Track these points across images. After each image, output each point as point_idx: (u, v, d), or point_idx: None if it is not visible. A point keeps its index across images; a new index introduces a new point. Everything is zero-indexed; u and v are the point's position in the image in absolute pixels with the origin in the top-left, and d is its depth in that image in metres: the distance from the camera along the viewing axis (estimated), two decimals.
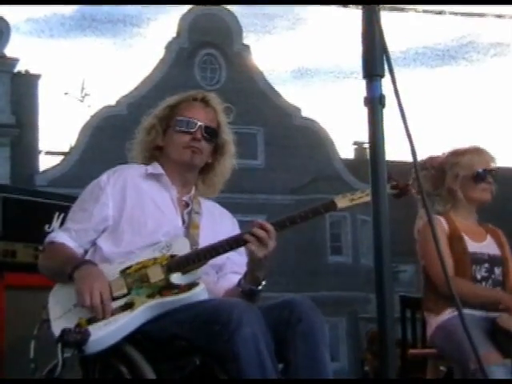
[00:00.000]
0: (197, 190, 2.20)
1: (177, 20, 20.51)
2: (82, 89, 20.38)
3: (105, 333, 1.85)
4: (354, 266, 19.28)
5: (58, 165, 19.22)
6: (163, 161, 2.17)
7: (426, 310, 2.80)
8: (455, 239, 2.76)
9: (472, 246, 2.77)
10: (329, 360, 1.86)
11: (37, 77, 18.99)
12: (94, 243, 2.07)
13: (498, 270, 2.79)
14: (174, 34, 20.45)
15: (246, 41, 20.81)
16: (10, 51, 18.64)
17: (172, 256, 1.96)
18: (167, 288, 1.91)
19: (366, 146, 1.42)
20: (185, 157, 2.12)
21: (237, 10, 20.36)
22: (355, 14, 1.41)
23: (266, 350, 1.76)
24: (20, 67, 18.72)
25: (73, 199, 2.22)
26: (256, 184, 18.91)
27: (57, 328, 1.88)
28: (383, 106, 1.38)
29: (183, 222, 2.10)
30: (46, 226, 2.70)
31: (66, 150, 19.79)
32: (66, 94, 22.91)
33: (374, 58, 1.37)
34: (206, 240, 2.03)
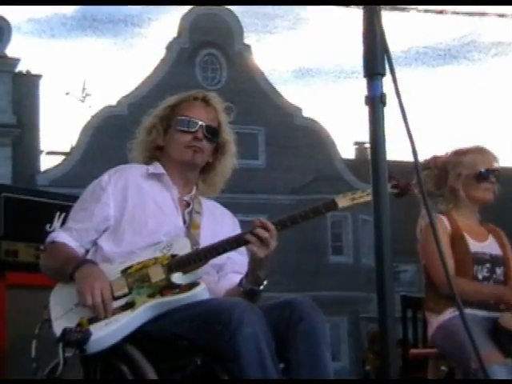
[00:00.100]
0: (198, 189, 2.20)
1: (178, 20, 20.56)
2: (83, 89, 20.42)
3: (106, 332, 1.86)
4: (355, 266, 19.28)
5: (59, 165, 19.24)
6: (164, 160, 2.17)
7: (427, 309, 2.80)
8: (457, 239, 2.76)
9: (474, 246, 2.77)
10: (330, 359, 1.86)
11: (38, 77, 19.01)
12: (95, 243, 2.07)
13: (499, 270, 2.79)
14: (175, 34, 20.46)
15: (247, 41, 20.84)
16: (11, 51, 18.69)
17: (173, 256, 1.96)
18: (168, 288, 1.91)
19: (367, 145, 1.43)
20: (186, 156, 2.12)
21: (238, 10, 20.38)
22: (356, 13, 1.41)
23: (267, 350, 1.76)
24: (21, 67, 18.77)
25: (74, 199, 2.22)
26: (257, 184, 18.91)
27: (58, 327, 1.88)
28: (384, 104, 1.38)
29: (184, 221, 2.10)
30: (48, 226, 2.70)
31: (67, 149, 19.83)
32: (67, 94, 22.90)
33: (375, 57, 1.37)
34: (206, 240, 2.03)
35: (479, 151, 2.86)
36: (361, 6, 1.41)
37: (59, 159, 19.69)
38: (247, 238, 1.95)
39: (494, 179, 2.83)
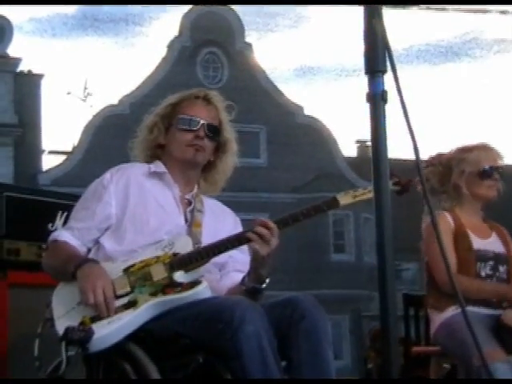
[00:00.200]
0: (199, 188, 2.20)
1: (179, 19, 20.54)
2: (85, 88, 20.46)
3: (108, 331, 1.86)
4: (356, 264, 19.27)
5: (61, 164, 19.25)
6: (165, 159, 2.17)
7: (430, 307, 2.79)
8: (460, 236, 2.75)
9: (477, 243, 2.76)
10: (332, 357, 1.86)
11: (39, 76, 19.01)
12: (97, 241, 2.07)
13: (502, 268, 2.78)
14: (176, 33, 20.45)
15: (248, 39, 20.84)
16: (12, 51, 18.69)
17: (174, 254, 1.96)
18: (170, 286, 1.91)
19: (369, 144, 1.42)
20: (188, 155, 2.12)
21: (239, 9, 20.36)
22: (357, 10, 1.41)
23: (269, 348, 1.76)
24: (22, 67, 18.77)
25: (76, 198, 2.22)
26: (258, 182, 18.91)
27: (60, 326, 1.88)
28: (385, 101, 1.38)
29: (186, 220, 2.10)
30: (49, 225, 2.70)
31: (69, 149, 19.85)
32: (68, 93, 22.92)
33: (376, 54, 1.37)
34: (208, 238, 2.03)
35: (483, 148, 2.85)
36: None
37: (61, 159, 19.72)
38: (249, 236, 1.95)
39: (497, 177, 2.81)
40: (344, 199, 1.97)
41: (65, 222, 2.50)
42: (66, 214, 2.64)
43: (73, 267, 1.95)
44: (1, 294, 2.51)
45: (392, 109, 1.40)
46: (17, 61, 18.51)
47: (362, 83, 1.41)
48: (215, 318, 1.79)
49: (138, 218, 2.05)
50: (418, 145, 1.40)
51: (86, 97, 19.97)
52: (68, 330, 1.83)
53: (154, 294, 1.91)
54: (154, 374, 1.83)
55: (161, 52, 20.42)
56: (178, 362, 1.85)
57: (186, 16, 20.31)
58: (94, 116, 19.43)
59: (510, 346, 2.50)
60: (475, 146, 2.86)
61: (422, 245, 2.81)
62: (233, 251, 2.03)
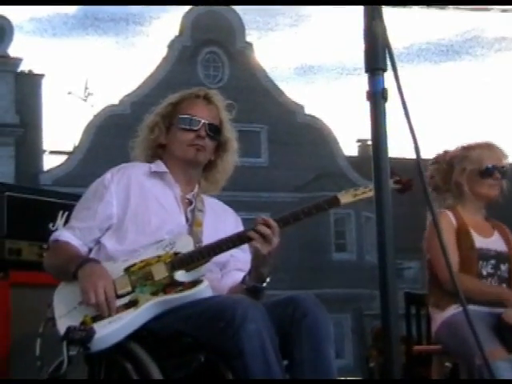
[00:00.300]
0: (200, 187, 2.20)
1: (179, 18, 20.55)
2: (86, 88, 20.50)
3: (110, 330, 1.86)
4: (358, 263, 19.27)
5: (62, 164, 19.27)
6: (166, 158, 2.17)
7: (431, 305, 2.79)
8: (462, 234, 2.74)
9: (479, 242, 2.75)
10: (333, 356, 1.86)
11: (40, 76, 19.03)
12: (98, 241, 2.07)
13: (503, 267, 2.78)
14: (177, 33, 20.46)
15: (248, 38, 20.84)
16: (13, 51, 18.70)
17: (176, 253, 1.97)
18: (171, 285, 1.91)
19: (370, 143, 1.42)
20: (189, 155, 2.12)
21: (239, 8, 20.35)
22: (357, 9, 1.41)
23: (271, 346, 1.76)
24: (23, 67, 18.79)
25: (77, 198, 2.22)
26: (260, 182, 18.91)
27: (62, 326, 1.88)
28: (385, 99, 1.37)
29: (187, 219, 2.10)
30: (51, 225, 2.70)
31: (70, 149, 19.87)
32: (69, 93, 22.91)
33: (376, 52, 1.37)
34: (209, 238, 2.03)
35: (487, 147, 2.83)
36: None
37: (62, 158, 19.74)
38: (250, 234, 1.95)
39: (498, 176, 2.79)
40: (345, 198, 1.97)
41: (66, 222, 2.49)
42: (67, 213, 2.64)
43: (74, 267, 1.95)
44: (2, 293, 2.51)
45: (393, 107, 1.40)
46: (17, 61, 18.53)
47: (363, 82, 1.41)
48: (217, 317, 1.79)
49: (139, 217, 2.05)
50: (419, 143, 1.40)
51: (86, 96, 20.01)
52: (69, 329, 1.83)
53: (155, 294, 1.91)
54: (156, 373, 1.83)
55: (161, 51, 20.46)
56: (179, 360, 1.85)
57: (186, 15, 20.31)
58: (95, 116, 19.44)
59: (511, 344, 2.50)
60: (479, 144, 2.84)
61: (425, 242, 2.80)
62: (234, 250, 2.03)
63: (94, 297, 1.88)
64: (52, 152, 20.26)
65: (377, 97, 1.37)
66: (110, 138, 17.12)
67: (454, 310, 2.64)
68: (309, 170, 19.33)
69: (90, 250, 2.08)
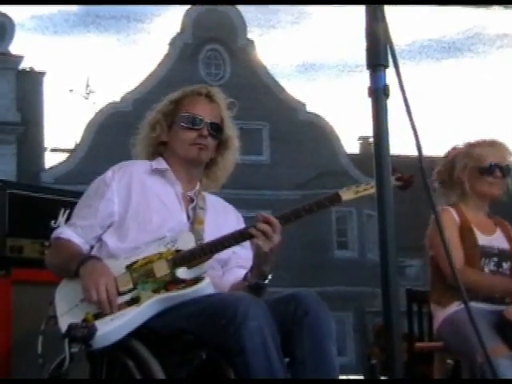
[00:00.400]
0: (201, 185, 2.20)
1: (181, 16, 20.53)
2: (87, 86, 20.46)
3: (111, 328, 1.86)
4: (360, 261, 19.26)
5: (64, 162, 19.28)
6: (168, 156, 2.17)
7: (433, 302, 2.78)
8: (465, 231, 2.74)
9: (482, 239, 2.75)
10: (335, 353, 1.86)
11: (41, 74, 19.03)
12: (99, 239, 2.07)
13: (506, 265, 2.77)
14: (178, 30, 20.45)
15: (250, 36, 20.80)
16: (14, 48, 18.70)
17: (177, 251, 1.97)
18: (173, 283, 1.92)
19: (372, 140, 1.41)
20: (191, 153, 2.12)
21: (240, 5, 20.32)
22: (359, 6, 1.40)
23: (273, 344, 1.76)
24: (25, 64, 18.78)
25: (78, 195, 2.23)
26: (261, 180, 18.91)
27: (63, 323, 1.89)
28: (387, 96, 1.37)
29: (188, 217, 2.10)
30: (52, 222, 2.70)
31: (72, 146, 19.87)
32: (70, 91, 22.82)
33: (378, 48, 1.37)
34: (210, 235, 2.03)
35: (491, 144, 2.81)
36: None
37: (63, 156, 19.75)
38: (251, 231, 1.95)
39: (499, 174, 2.78)
40: (346, 195, 1.97)
41: (67, 220, 2.49)
42: (68, 211, 2.64)
43: (76, 265, 1.95)
44: (4, 291, 2.51)
45: (394, 104, 1.39)
46: (19, 58, 18.53)
47: (365, 80, 1.40)
48: (218, 314, 1.79)
49: (140, 215, 2.05)
50: (421, 140, 1.39)
51: (88, 94, 20.00)
52: (71, 326, 1.83)
53: (156, 291, 1.91)
54: (157, 371, 1.83)
55: (163, 49, 20.46)
56: (181, 358, 1.85)
57: (187, 13, 20.29)
58: (97, 113, 19.44)
59: None
60: (483, 142, 2.82)
61: (427, 239, 2.79)
62: (236, 247, 2.03)
63: (96, 294, 1.88)
64: (53, 150, 20.28)
65: (378, 93, 1.36)
66: (112, 135, 17.12)
67: (455, 307, 2.64)
68: (310, 168, 19.32)
69: (92, 248, 2.08)
